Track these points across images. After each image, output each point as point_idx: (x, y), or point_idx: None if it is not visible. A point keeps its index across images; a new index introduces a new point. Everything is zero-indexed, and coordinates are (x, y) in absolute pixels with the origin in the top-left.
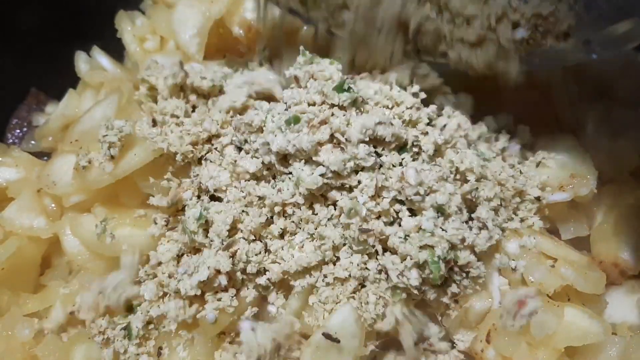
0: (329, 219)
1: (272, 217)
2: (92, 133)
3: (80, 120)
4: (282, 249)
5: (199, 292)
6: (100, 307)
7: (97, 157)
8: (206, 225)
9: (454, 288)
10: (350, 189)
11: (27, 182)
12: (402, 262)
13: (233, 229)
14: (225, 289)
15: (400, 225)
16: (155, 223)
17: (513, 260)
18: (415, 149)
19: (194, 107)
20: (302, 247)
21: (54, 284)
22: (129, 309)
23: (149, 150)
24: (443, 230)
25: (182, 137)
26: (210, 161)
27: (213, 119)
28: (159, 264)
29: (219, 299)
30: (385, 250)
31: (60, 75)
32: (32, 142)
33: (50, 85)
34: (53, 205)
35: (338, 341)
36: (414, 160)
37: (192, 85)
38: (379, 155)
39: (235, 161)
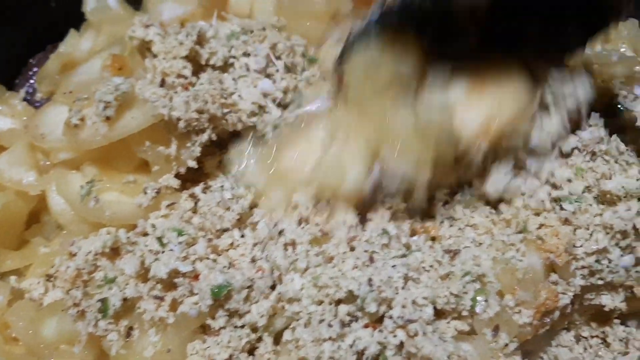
0: None
1: None
2: (88, 86)
3: (77, 70)
4: None
5: None
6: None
7: (90, 115)
8: None
9: None
10: None
11: (21, 133)
12: None
13: None
14: None
15: None
16: (145, 193)
17: None
18: None
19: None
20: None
21: (36, 241)
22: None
23: (148, 115)
24: None
25: (188, 102)
26: None
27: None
28: (145, 234)
29: None
30: None
31: None
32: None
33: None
34: (46, 160)
35: None
36: None
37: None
38: None
39: None
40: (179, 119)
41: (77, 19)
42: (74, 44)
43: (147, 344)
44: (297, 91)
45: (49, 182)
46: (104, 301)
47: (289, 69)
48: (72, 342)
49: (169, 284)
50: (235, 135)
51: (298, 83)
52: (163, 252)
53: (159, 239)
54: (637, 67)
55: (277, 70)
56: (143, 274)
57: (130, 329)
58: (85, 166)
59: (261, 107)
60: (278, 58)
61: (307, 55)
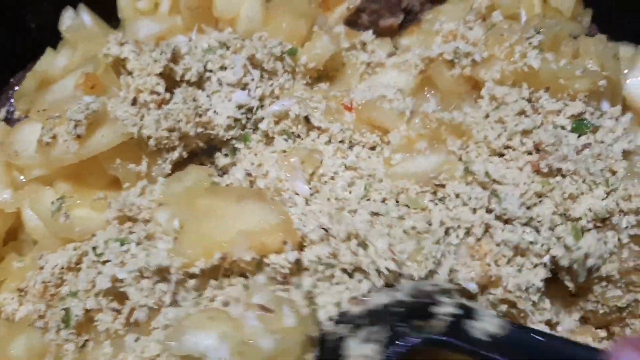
0: None
1: None
2: (61, 105)
3: (50, 88)
4: None
5: None
6: (44, 287)
7: (62, 133)
8: None
9: None
10: None
11: None
12: None
13: None
14: None
15: None
16: (110, 207)
17: None
18: None
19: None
20: None
21: (11, 257)
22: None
23: (118, 133)
24: None
25: (158, 120)
26: None
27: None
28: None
29: None
30: None
31: None
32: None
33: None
34: (22, 177)
35: None
36: None
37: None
38: None
39: None
40: (149, 137)
41: (57, 38)
42: (50, 62)
43: (99, 355)
44: (274, 96)
45: (23, 199)
46: (66, 311)
47: (269, 74)
48: (41, 358)
49: (121, 293)
50: (210, 148)
51: (275, 88)
52: (104, 263)
53: (94, 249)
54: (602, 82)
55: (253, 79)
56: None
57: (86, 340)
58: (58, 183)
59: (237, 120)
60: (255, 67)
61: (285, 50)
